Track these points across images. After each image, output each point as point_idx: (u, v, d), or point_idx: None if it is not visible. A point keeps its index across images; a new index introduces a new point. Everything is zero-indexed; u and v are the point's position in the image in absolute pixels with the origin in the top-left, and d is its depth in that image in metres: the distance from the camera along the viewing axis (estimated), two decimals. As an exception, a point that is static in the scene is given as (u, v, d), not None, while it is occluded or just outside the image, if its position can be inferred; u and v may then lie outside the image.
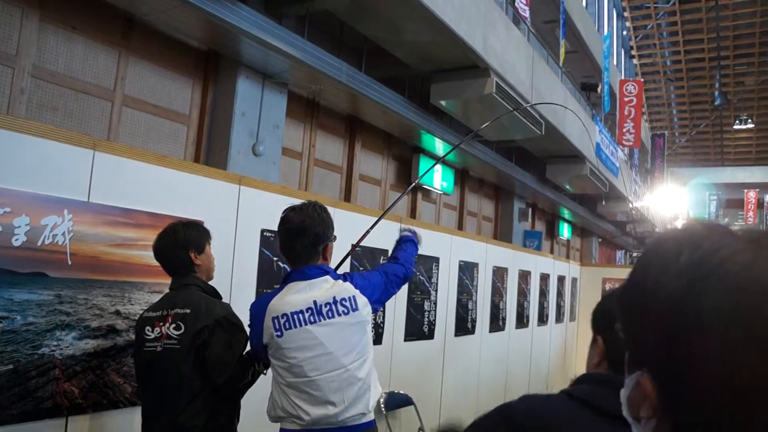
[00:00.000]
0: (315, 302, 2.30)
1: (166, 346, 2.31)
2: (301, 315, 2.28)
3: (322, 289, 2.34)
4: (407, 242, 2.81)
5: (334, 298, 2.33)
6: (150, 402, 2.38)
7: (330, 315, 2.31)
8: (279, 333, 2.26)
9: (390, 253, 2.91)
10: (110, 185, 2.76)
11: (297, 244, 2.37)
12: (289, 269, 2.49)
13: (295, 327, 2.26)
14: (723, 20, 22.43)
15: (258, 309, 2.34)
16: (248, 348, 2.48)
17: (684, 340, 0.53)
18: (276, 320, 2.27)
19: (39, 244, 2.45)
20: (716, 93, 24.51)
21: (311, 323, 2.28)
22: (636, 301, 0.60)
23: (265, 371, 2.50)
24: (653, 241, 0.63)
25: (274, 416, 2.37)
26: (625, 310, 0.63)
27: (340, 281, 2.40)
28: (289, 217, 2.38)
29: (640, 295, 0.59)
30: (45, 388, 2.44)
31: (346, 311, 2.34)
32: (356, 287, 2.40)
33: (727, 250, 0.54)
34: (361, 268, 4.33)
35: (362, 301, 2.39)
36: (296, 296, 2.31)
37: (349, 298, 2.36)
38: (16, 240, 2.38)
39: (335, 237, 2.50)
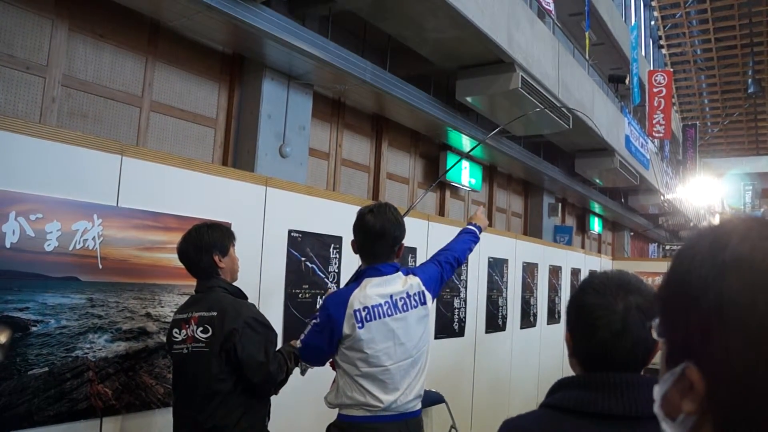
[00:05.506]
0: (391, 296, 2.47)
1: (194, 350, 2.33)
2: (380, 308, 2.43)
3: (396, 284, 2.51)
4: (466, 233, 2.97)
5: (407, 293, 2.52)
6: (180, 403, 2.41)
7: (405, 308, 2.49)
8: (360, 325, 2.39)
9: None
10: (138, 190, 2.79)
11: (376, 246, 2.51)
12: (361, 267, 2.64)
13: (375, 319, 2.41)
14: (756, 5, 21.88)
15: (338, 302, 2.44)
16: (279, 346, 2.51)
17: (728, 335, 0.53)
18: (358, 313, 2.40)
19: (70, 249, 2.50)
20: (750, 80, 23.98)
21: (388, 316, 2.44)
22: (679, 295, 0.60)
23: (292, 370, 2.53)
24: (694, 236, 0.63)
25: (336, 403, 2.47)
26: (668, 305, 0.62)
27: (411, 275, 2.58)
28: (368, 220, 2.50)
29: (683, 291, 0.59)
30: (79, 390, 2.49)
31: (416, 305, 2.54)
32: (423, 283, 2.58)
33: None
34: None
35: (428, 296, 2.60)
36: (374, 290, 2.45)
37: (419, 293, 2.56)
38: (48, 245, 2.43)
39: None
